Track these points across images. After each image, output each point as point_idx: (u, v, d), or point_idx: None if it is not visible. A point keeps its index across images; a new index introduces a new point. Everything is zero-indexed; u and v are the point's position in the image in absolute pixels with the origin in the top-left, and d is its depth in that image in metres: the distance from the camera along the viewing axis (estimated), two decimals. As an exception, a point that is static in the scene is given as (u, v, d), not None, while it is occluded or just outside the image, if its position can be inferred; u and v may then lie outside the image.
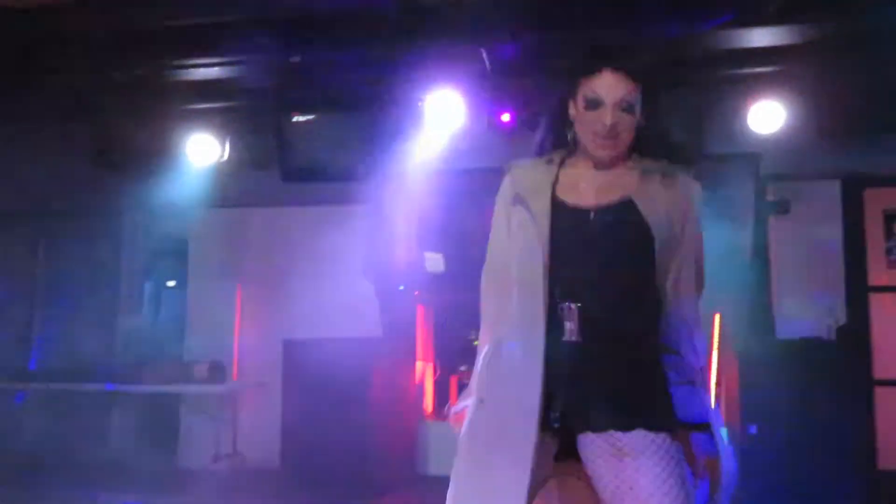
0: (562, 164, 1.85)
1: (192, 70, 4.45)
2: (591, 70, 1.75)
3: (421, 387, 5.65)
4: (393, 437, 4.98)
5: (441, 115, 4.57)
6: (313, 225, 5.85)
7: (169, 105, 4.88)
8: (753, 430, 4.27)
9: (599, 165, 1.80)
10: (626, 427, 1.64)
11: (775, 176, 5.06)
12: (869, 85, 4.20)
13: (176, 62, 4.39)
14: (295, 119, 4.95)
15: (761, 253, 5.06)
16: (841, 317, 4.95)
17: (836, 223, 5.14)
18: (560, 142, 1.86)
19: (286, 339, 5.08)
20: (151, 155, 5.07)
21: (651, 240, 1.73)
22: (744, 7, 3.75)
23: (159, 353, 6.13)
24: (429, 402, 5.84)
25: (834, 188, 5.16)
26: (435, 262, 5.77)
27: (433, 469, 5.29)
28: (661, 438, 1.64)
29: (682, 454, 1.65)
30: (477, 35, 3.96)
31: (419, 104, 4.64)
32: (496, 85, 4.49)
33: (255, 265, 5.96)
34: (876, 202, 5.20)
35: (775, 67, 4.25)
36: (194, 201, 5.66)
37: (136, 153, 5.10)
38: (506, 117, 4.60)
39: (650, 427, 1.64)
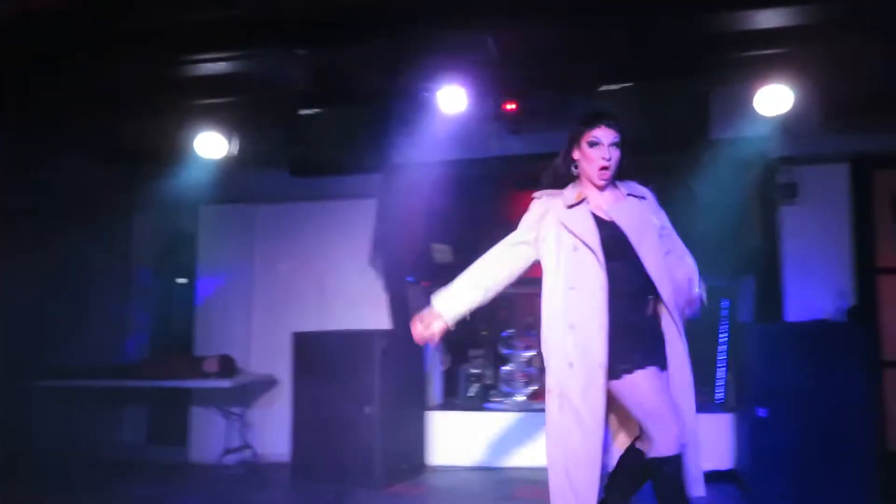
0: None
1: (200, 66, 4.45)
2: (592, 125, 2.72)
3: (430, 378, 5.66)
4: (401, 428, 4.99)
5: (448, 106, 4.56)
6: (322, 219, 5.87)
7: (178, 101, 4.89)
8: (763, 412, 4.26)
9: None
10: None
11: (784, 159, 5.05)
12: (878, 66, 4.18)
13: (184, 58, 4.39)
14: (302, 113, 4.95)
15: (771, 237, 5.06)
16: (850, 298, 4.96)
17: (845, 206, 5.13)
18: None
19: (296, 331, 5.09)
20: (161, 151, 5.08)
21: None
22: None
23: (170, 348, 6.17)
24: (437, 393, 5.86)
25: (843, 171, 5.15)
26: (443, 253, 5.77)
27: (440, 459, 5.31)
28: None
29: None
30: (483, 24, 3.95)
31: (426, 95, 4.63)
32: (502, 74, 4.48)
33: (264, 259, 5.99)
34: (885, 184, 5.19)
35: (783, 49, 4.22)
36: (204, 197, 5.69)
37: (145, 150, 5.13)
38: (511, 106, 4.59)
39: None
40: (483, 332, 6.12)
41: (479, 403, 5.56)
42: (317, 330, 5.25)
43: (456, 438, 5.37)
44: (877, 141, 4.88)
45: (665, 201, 5.34)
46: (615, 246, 2.63)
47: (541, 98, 4.60)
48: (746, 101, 4.54)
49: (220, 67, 4.44)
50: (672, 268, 2.74)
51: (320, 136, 4.80)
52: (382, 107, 4.70)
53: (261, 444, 5.73)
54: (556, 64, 4.41)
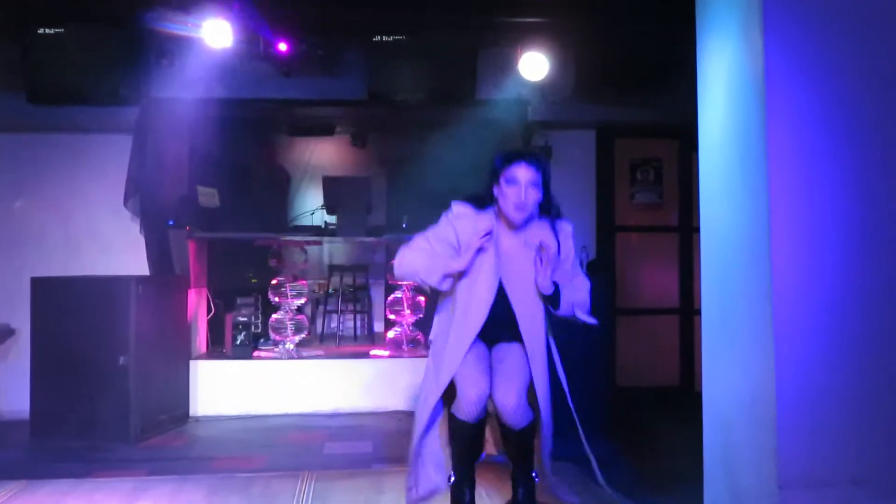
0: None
1: None
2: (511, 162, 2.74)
3: (194, 326, 5.43)
4: (160, 378, 4.76)
5: (213, 40, 4.29)
6: (69, 153, 5.38)
7: None
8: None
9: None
10: None
11: (541, 123, 5.43)
12: (619, 47, 4.61)
13: None
14: (42, 31, 4.39)
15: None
16: (591, 253, 5.51)
17: (591, 169, 5.69)
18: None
19: (35, 277, 4.60)
20: None
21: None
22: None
23: None
24: (201, 341, 5.65)
25: (590, 137, 5.69)
26: (209, 196, 5.50)
27: (205, 410, 5.16)
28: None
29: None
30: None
31: (190, 26, 4.32)
32: (274, 13, 4.29)
33: (-5, 196, 5.34)
34: (624, 151, 5.83)
35: (543, 18, 4.49)
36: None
37: None
38: (283, 46, 4.43)
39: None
40: (252, 280, 5.97)
41: (247, 352, 5.44)
42: (61, 275, 4.79)
43: (223, 388, 5.23)
44: (618, 112, 5.42)
45: (437, 157, 5.62)
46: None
47: (314, 42, 4.49)
48: (512, 65, 4.79)
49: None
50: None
51: (63, 60, 4.31)
52: (139, 33, 4.30)
53: (-6, 400, 5.20)
54: (330, 9, 4.32)
